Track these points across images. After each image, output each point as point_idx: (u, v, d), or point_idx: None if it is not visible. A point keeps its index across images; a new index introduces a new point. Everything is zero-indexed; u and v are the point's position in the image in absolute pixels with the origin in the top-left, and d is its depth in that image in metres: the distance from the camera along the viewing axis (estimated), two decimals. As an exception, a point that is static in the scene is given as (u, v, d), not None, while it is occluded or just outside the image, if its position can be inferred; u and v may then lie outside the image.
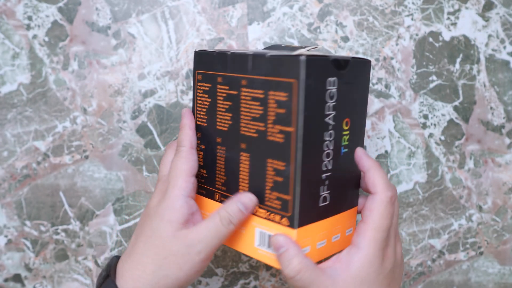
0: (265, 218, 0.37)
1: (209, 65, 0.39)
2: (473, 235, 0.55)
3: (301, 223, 0.36)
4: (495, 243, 0.55)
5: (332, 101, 0.36)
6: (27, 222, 0.52)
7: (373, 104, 0.54)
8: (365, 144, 0.54)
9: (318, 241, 0.38)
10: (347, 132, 0.38)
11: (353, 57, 0.37)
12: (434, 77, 0.54)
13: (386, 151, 0.54)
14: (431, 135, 0.54)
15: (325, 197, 0.38)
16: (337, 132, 0.37)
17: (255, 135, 0.37)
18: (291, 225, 0.36)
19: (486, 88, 0.55)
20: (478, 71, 0.55)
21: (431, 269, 0.54)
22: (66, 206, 0.52)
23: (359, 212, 0.43)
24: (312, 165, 0.36)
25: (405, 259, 0.54)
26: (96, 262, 0.53)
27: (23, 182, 0.52)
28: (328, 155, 0.37)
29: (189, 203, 0.37)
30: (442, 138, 0.54)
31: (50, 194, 0.52)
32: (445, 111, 0.54)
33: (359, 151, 0.40)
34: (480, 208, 0.55)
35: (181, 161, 0.38)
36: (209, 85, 0.40)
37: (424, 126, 0.54)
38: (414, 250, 0.54)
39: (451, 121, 0.54)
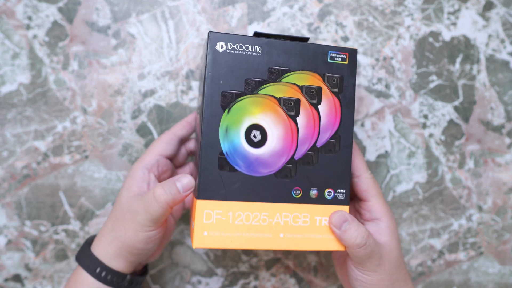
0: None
1: None
2: (473, 235, 0.55)
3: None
4: (495, 243, 0.55)
5: None
6: (27, 222, 0.52)
7: (373, 104, 0.54)
8: (364, 144, 0.54)
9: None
10: None
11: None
12: (434, 77, 0.54)
13: (386, 151, 0.54)
14: (431, 135, 0.54)
15: None
16: None
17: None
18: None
19: (486, 88, 0.55)
20: (478, 71, 0.55)
21: (431, 269, 0.54)
22: (66, 206, 0.52)
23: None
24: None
25: (405, 259, 0.54)
26: (96, 262, 0.53)
27: (23, 182, 0.52)
28: None
29: (147, 174, 0.41)
30: (442, 138, 0.54)
31: (50, 194, 0.52)
32: (445, 111, 0.54)
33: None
34: (480, 208, 0.55)
35: (156, 142, 0.43)
36: None
37: (424, 126, 0.54)
38: (414, 250, 0.54)
39: (451, 121, 0.54)
